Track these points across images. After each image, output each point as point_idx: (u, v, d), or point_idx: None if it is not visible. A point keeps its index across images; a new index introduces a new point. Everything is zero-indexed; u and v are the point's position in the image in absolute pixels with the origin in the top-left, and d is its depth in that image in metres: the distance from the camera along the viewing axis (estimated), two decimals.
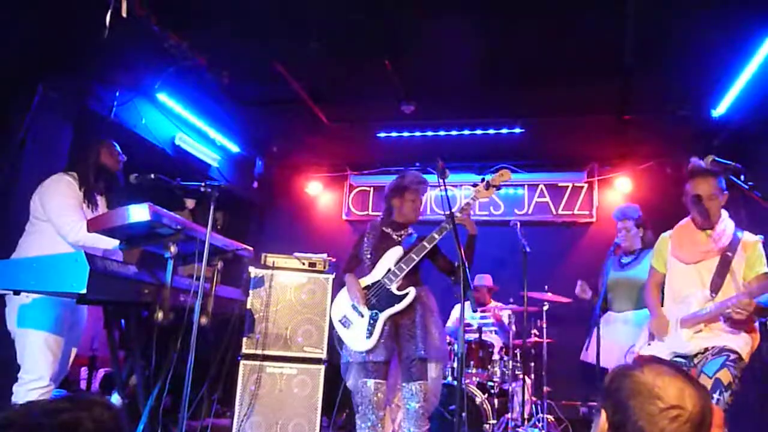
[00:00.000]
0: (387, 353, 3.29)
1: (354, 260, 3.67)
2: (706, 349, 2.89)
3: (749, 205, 2.80)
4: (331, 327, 3.70)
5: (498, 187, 3.50)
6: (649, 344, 3.13)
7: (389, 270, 3.38)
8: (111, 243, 2.86)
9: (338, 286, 4.27)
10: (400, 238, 3.52)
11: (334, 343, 4.38)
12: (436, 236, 3.32)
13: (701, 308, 2.93)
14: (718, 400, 2.71)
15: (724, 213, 3.03)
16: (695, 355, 2.93)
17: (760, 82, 4.25)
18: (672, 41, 4.07)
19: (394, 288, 3.35)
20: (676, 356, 2.98)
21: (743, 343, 2.88)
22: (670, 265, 3.21)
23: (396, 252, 3.43)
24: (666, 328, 3.04)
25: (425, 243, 3.32)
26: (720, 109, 4.80)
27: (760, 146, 4.86)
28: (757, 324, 2.95)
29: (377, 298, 3.37)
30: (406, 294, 3.32)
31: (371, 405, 3.26)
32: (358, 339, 3.36)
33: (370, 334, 3.30)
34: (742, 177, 2.58)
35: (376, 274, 3.43)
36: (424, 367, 3.29)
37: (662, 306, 3.22)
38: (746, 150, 4.84)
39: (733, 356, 2.82)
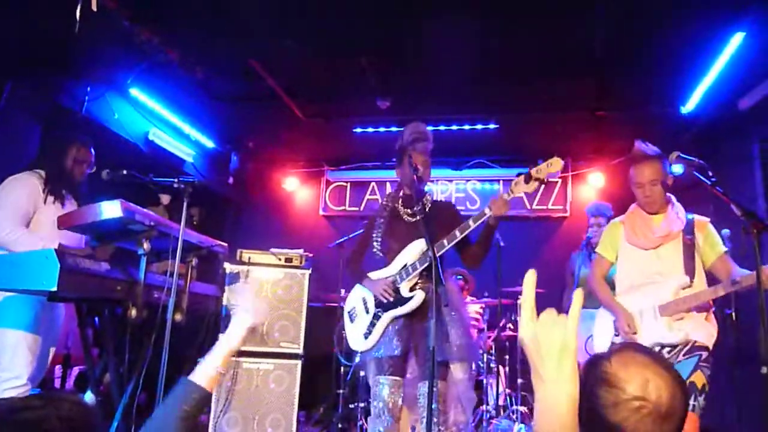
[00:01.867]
0: (400, 347, 2.95)
1: (362, 245, 3.28)
2: (687, 342, 2.76)
3: (716, 201, 2.85)
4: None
5: (544, 181, 2.80)
6: (617, 335, 2.95)
7: (405, 266, 2.99)
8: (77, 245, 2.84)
9: (316, 280, 4.28)
10: (412, 218, 3.08)
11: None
12: (458, 234, 2.84)
13: (677, 295, 2.79)
14: (693, 406, 2.59)
15: (672, 197, 2.97)
16: (676, 345, 2.79)
17: (727, 79, 4.36)
18: (642, 40, 4.15)
19: (404, 287, 2.99)
20: (659, 347, 2.80)
21: (711, 335, 2.80)
22: (623, 253, 3.04)
23: (418, 246, 2.98)
24: (634, 323, 2.87)
25: (444, 241, 2.85)
26: (689, 106, 4.91)
27: (728, 142, 4.99)
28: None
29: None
30: (412, 298, 2.95)
31: (387, 405, 2.91)
32: (357, 337, 3.12)
33: (369, 334, 3.04)
34: (710, 173, 2.62)
35: (392, 269, 3.05)
36: (443, 368, 2.90)
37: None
38: (714, 146, 4.97)
39: (704, 354, 2.73)
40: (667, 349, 2.80)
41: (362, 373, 4.49)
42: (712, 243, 2.86)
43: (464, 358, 3.00)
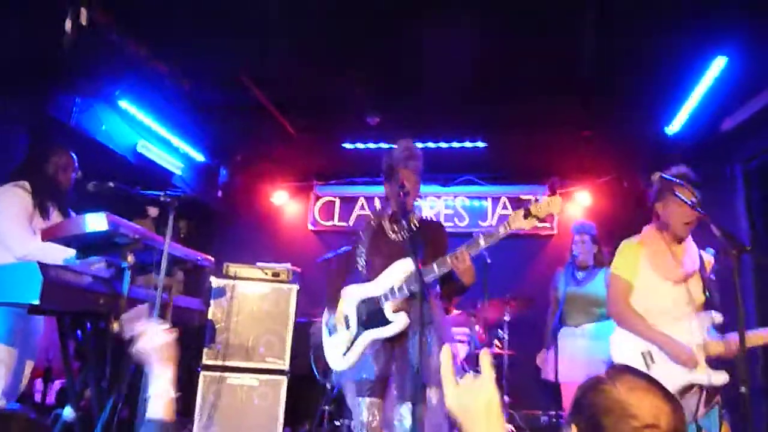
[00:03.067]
0: (378, 370, 2.88)
1: (346, 262, 3.22)
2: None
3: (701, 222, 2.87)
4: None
5: (542, 219, 2.77)
6: (648, 367, 2.69)
7: (392, 288, 2.89)
8: (60, 257, 2.80)
9: (304, 295, 4.26)
10: (399, 236, 3.04)
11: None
12: (436, 270, 2.77)
13: (713, 334, 2.64)
14: None
15: None
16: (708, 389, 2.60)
17: (710, 101, 4.43)
18: (628, 61, 4.23)
19: (387, 308, 2.89)
20: (691, 384, 2.62)
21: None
22: (647, 281, 2.81)
23: (404, 266, 2.88)
24: (695, 358, 2.61)
25: (434, 266, 2.78)
26: (674, 127, 4.98)
27: (712, 163, 5.05)
28: None
29: (368, 314, 2.95)
30: (395, 321, 2.87)
31: (366, 428, 2.85)
32: (335, 354, 3.03)
33: (347, 351, 2.96)
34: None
35: (378, 288, 2.95)
36: (422, 390, 2.78)
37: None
38: (698, 166, 5.01)
39: (719, 399, 2.62)
40: (694, 393, 2.62)
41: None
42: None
43: (440, 383, 2.85)
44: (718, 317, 2.67)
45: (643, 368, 2.66)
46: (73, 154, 3.28)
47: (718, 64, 3.99)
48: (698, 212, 2.35)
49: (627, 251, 2.91)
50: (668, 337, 2.67)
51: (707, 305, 2.72)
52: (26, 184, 3.07)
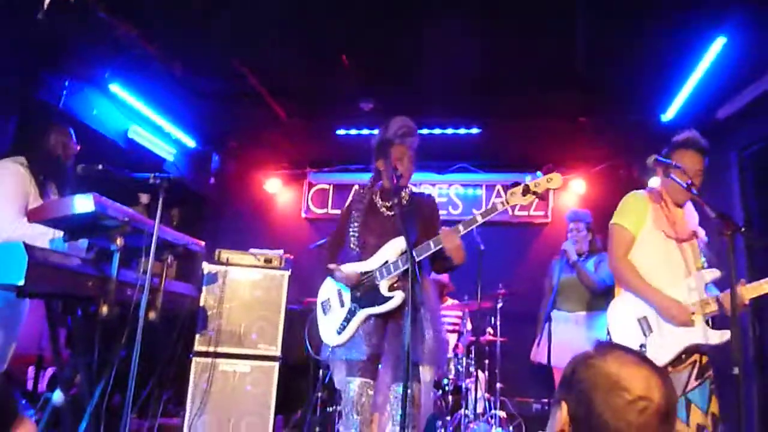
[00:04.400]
0: (370, 350, 2.86)
1: (336, 238, 3.16)
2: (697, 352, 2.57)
3: (694, 205, 2.86)
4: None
5: (541, 196, 2.75)
6: (646, 336, 2.61)
7: (386, 263, 2.88)
8: (47, 240, 2.76)
9: (296, 280, 4.24)
10: (390, 211, 3.02)
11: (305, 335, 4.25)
12: (432, 246, 2.77)
13: (711, 292, 2.61)
14: None
15: None
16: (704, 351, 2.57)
17: (707, 87, 4.41)
18: (623, 47, 4.19)
19: (383, 285, 2.88)
20: (690, 349, 2.57)
21: None
22: (651, 238, 2.71)
23: (399, 243, 2.88)
24: (689, 315, 2.55)
25: (430, 243, 2.77)
26: (669, 114, 4.96)
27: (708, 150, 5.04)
28: None
29: (363, 291, 2.94)
30: (391, 298, 2.86)
31: (355, 408, 2.83)
32: (330, 330, 2.99)
33: (343, 329, 2.93)
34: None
35: (372, 263, 2.93)
36: (416, 370, 2.80)
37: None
38: None
39: (711, 374, 2.57)
40: (684, 355, 2.57)
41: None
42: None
43: (433, 361, 2.91)
44: (715, 273, 2.62)
45: (640, 335, 2.61)
46: (71, 130, 3.21)
47: (716, 46, 3.94)
48: (693, 194, 2.33)
49: (634, 202, 2.79)
50: (662, 295, 2.60)
51: (709, 263, 2.70)
52: (23, 160, 3.00)
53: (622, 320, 2.69)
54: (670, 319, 2.56)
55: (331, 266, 3.01)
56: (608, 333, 2.76)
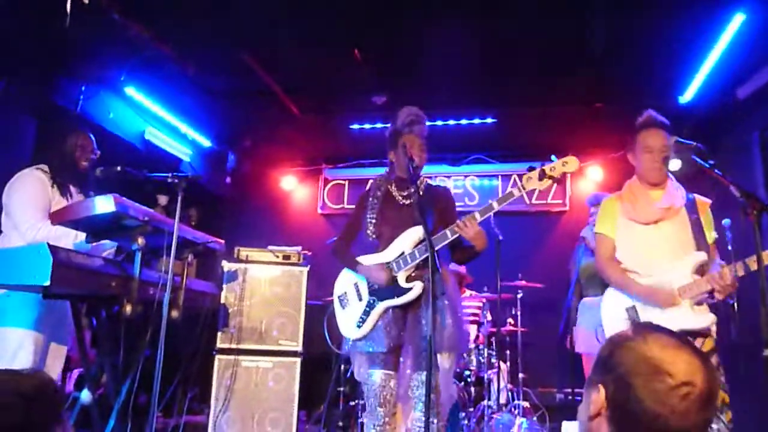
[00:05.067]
0: (391, 342, 2.85)
1: (351, 228, 3.14)
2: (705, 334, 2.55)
3: (716, 188, 2.81)
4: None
5: (558, 180, 2.77)
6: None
7: (402, 254, 2.87)
8: (73, 242, 2.79)
9: (313, 276, 4.25)
10: (406, 201, 2.99)
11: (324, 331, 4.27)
12: (449, 235, 2.77)
13: (696, 274, 2.60)
14: (718, 429, 2.40)
15: (671, 174, 2.84)
16: (698, 334, 2.55)
17: (725, 66, 4.33)
18: (639, 28, 4.13)
19: (401, 276, 2.87)
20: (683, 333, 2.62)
21: (714, 324, 2.61)
22: (623, 230, 2.81)
23: (415, 233, 2.87)
24: (672, 296, 2.58)
25: (447, 232, 2.77)
26: (686, 96, 4.89)
27: (727, 131, 4.96)
28: None
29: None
30: (410, 289, 2.84)
31: (378, 399, 2.82)
32: (349, 324, 2.98)
33: (362, 322, 2.91)
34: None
35: (388, 255, 2.92)
36: (434, 357, 2.71)
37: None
38: (713, 135, 4.94)
39: (714, 359, 2.53)
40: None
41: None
42: (709, 227, 2.73)
43: (453, 348, 2.92)
44: (699, 257, 2.62)
45: (628, 323, 2.66)
46: (91, 135, 3.25)
47: (734, 23, 3.86)
48: (717, 174, 2.29)
49: (604, 208, 2.95)
50: (643, 285, 2.67)
51: (698, 245, 2.66)
52: (45, 167, 3.05)
53: (612, 309, 2.79)
54: (656, 303, 2.62)
55: (359, 260, 3.01)
56: (600, 324, 2.85)
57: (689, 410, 1.01)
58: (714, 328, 2.62)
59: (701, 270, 2.63)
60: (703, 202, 2.79)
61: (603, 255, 2.86)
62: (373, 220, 3.00)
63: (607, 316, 2.81)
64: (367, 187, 3.19)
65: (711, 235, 2.72)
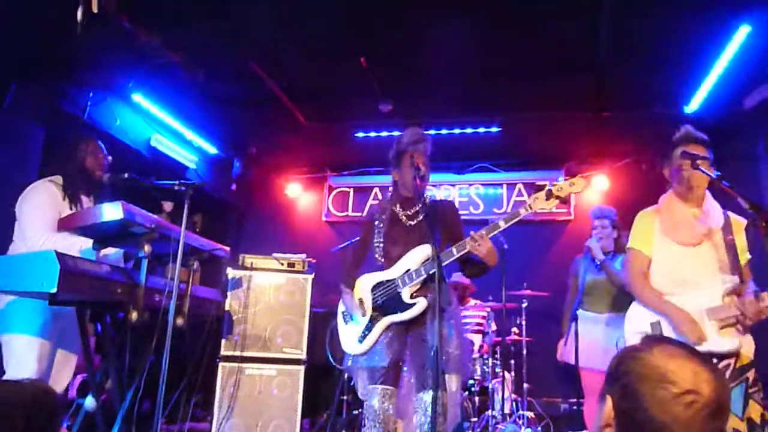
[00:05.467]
0: (391, 357, 2.84)
1: (360, 252, 3.17)
2: (733, 356, 2.52)
3: (724, 200, 2.78)
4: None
5: (564, 200, 2.83)
6: None
7: (407, 271, 2.88)
8: (76, 249, 2.80)
9: (318, 284, 4.25)
10: (412, 221, 3.00)
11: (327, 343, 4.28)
12: (455, 252, 2.78)
13: (727, 297, 2.56)
14: None
15: (708, 192, 2.76)
16: (724, 356, 2.50)
17: (732, 76, 4.33)
18: (645, 38, 4.13)
19: (405, 293, 2.87)
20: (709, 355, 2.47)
21: (752, 346, 2.55)
22: (661, 248, 2.74)
23: (422, 251, 2.88)
24: (700, 333, 2.51)
25: (453, 249, 2.79)
26: (692, 106, 4.88)
27: (733, 141, 4.94)
28: None
29: (384, 299, 2.93)
30: (413, 305, 2.84)
31: (378, 416, 2.79)
32: (351, 339, 3.00)
33: (364, 338, 2.92)
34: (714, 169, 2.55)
35: (394, 272, 2.94)
36: (441, 378, 2.71)
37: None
38: (719, 145, 4.91)
39: (750, 377, 2.48)
40: (720, 359, 2.49)
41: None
42: (743, 247, 2.68)
43: (459, 370, 2.90)
44: (732, 281, 2.57)
45: None
46: (99, 142, 3.27)
47: (740, 35, 3.87)
48: (725, 186, 2.27)
49: (641, 222, 2.86)
50: (674, 308, 2.61)
51: (732, 268, 2.61)
52: (58, 178, 3.07)
53: (637, 323, 2.74)
54: (681, 333, 2.55)
55: (342, 288, 3.08)
56: (624, 336, 2.81)
57: (694, 419, 1.01)
58: (749, 349, 2.56)
59: (733, 293, 2.58)
60: (739, 222, 2.72)
61: (635, 270, 2.80)
62: (381, 244, 3.02)
63: (631, 328, 2.77)
64: (368, 210, 3.22)
65: (744, 257, 2.67)
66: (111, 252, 3.04)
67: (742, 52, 4.00)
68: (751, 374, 2.49)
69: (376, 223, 3.08)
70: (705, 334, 2.52)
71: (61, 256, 2.29)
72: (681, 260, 2.68)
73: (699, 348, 2.40)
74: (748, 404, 2.45)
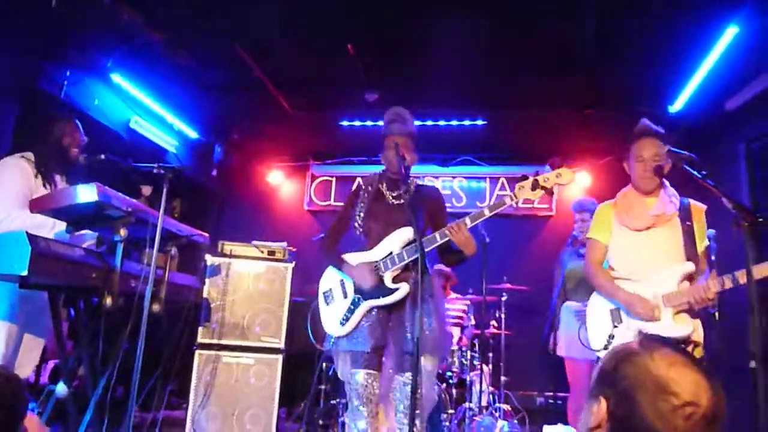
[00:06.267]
0: (374, 342, 2.82)
1: (340, 225, 3.11)
2: (688, 342, 2.58)
3: (704, 199, 2.81)
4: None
5: (550, 191, 2.78)
6: (616, 327, 2.74)
7: (390, 254, 2.85)
8: (51, 232, 2.72)
9: (299, 272, 4.21)
10: (397, 200, 2.97)
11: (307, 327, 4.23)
12: (438, 238, 2.75)
13: (682, 284, 2.62)
14: None
15: (666, 181, 2.84)
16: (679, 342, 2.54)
17: (716, 78, 4.36)
18: (632, 37, 4.14)
19: (387, 277, 2.85)
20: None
21: (700, 331, 2.64)
22: (616, 237, 2.84)
23: (404, 234, 2.85)
24: (653, 309, 2.61)
25: (437, 235, 2.76)
26: (676, 106, 4.91)
27: (714, 142, 5.00)
28: None
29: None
30: (396, 290, 2.82)
31: (361, 399, 2.80)
32: (333, 321, 2.95)
33: (346, 320, 2.89)
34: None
35: (376, 254, 2.90)
36: (420, 360, 2.67)
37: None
38: (701, 145, 4.97)
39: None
40: None
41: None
42: (702, 234, 2.74)
43: (436, 351, 2.87)
44: (687, 267, 2.64)
45: (610, 326, 2.76)
46: (77, 122, 3.18)
47: (727, 36, 3.88)
48: (709, 184, 2.29)
49: (599, 212, 3.00)
50: (628, 293, 2.70)
51: (688, 254, 2.68)
52: (30, 155, 2.97)
53: (597, 310, 2.85)
54: (634, 314, 2.67)
55: (344, 257, 2.98)
56: (585, 323, 2.91)
57: (692, 429, 1.00)
58: (701, 334, 2.65)
59: (688, 279, 2.65)
60: (698, 208, 2.80)
61: (593, 260, 2.91)
62: (362, 214, 2.98)
63: (591, 318, 2.87)
64: (356, 185, 3.18)
65: (702, 244, 2.73)
66: (87, 232, 2.96)
67: (728, 54, 4.03)
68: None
69: (361, 193, 3.06)
70: (659, 314, 2.61)
71: (33, 238, 2.22)
72: (635, 246, 2.78)
73: (654, 331, 2.57)
74: None
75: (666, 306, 2.62)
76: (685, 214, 2.75)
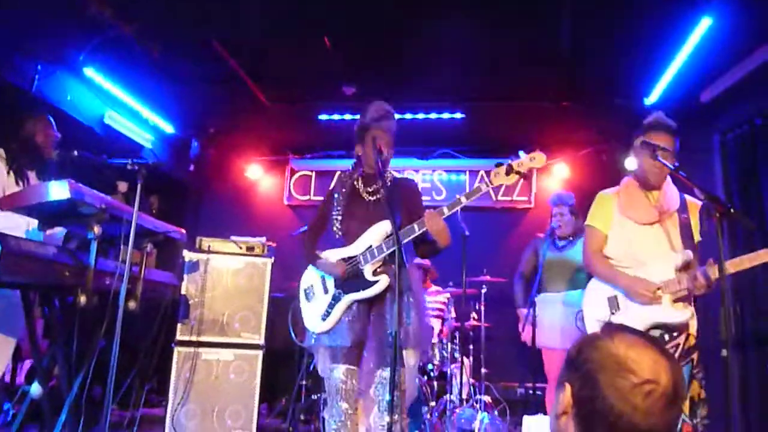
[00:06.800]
0: (354, 337, 2.83)
1: (318, 225, 3.12)
2: (683, 331, 2.61)
3: (680, 190, 2.85)
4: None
5: (525, 175, 2.82)
6: (613, 314, 2.73)
7: (369, 247, 2.85)
8: (21, 229, 2.67)
9: (278, 268, 4.18)
10: (372, 197, 2.97)
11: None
12: (416, 229, 2.76)
13: (678, 273, 2.64)
14: (695, 424, 2.44)
15: (669, 177, 2.83)
16: (674, 329, 2.61)
17: (689, 71, 4.40)
18: (607, 29, 4.16)
19: (367, 270, 2.85)
20: (655, 327, 2.63)
21: (695, 321, 2.66)
22: (618, 227, 2.82)
23: (384, 227, 2.85)
24: (654, 290, 2.62)
25: (414, 226, 2.76)
26: (652, 98, 4.96)
27: (689, 134, 5.04)
28: None
29: (347, 276, 2.89)
30: (376, 282, 2.83)
31: (340, 395, 2.80)
32: (313, 317, 2.95)
33: (327, 315, 2.89)
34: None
35: (355, 248, 2.90)
36: (400, 354, 2.67)
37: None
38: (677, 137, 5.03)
39: (694, 358, 2.58)
40: (659, 330, 2.63)
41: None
42: (697, 228, 2.76)
43: (417, 344, 2.88)
44: (685, 255, 2.65)
45: (607, 312, 2.75)
46: (50, 118, 3.11)
47: (701, 27, 3.90)
48: (681, 176, 2.32)
49: (599, 202, 2.95)
50: (629, 276, 2.70)
51: (686, 245, 2.69)
52: (1, 152, 2.92)
53: (594, 297, 2.84)
54: (635, 296, 2.65)
55: (319, 254, 2.98)
56: (581, 309, 2.90)
57: (653, 408, 1.02)
58: (694, 325, 2.67)
59: (686, 268, 2.66)
60: (694, 204, 2.81)
61: (592, 248, 2.88)
62: (339, 217, 2.98)
63: (589, 302, 2.86)
64: (333, 184, 3.16)
65: (697, 237, 2.75)
66: (59, 229, 2.91)
67: (703, 45, 4.06)
68: (695, 356, 2.59)
69: (336, 195, 3.04)
70: (660, 295, 2.61)
71: (3, 237, 2.17)
72: (636, 237, 2.77)
73: (655, 318, 2.59)
74: (691, 384, 2.55)
75: (664, 293, 2.63)
76: (683, 208, 2.76)
